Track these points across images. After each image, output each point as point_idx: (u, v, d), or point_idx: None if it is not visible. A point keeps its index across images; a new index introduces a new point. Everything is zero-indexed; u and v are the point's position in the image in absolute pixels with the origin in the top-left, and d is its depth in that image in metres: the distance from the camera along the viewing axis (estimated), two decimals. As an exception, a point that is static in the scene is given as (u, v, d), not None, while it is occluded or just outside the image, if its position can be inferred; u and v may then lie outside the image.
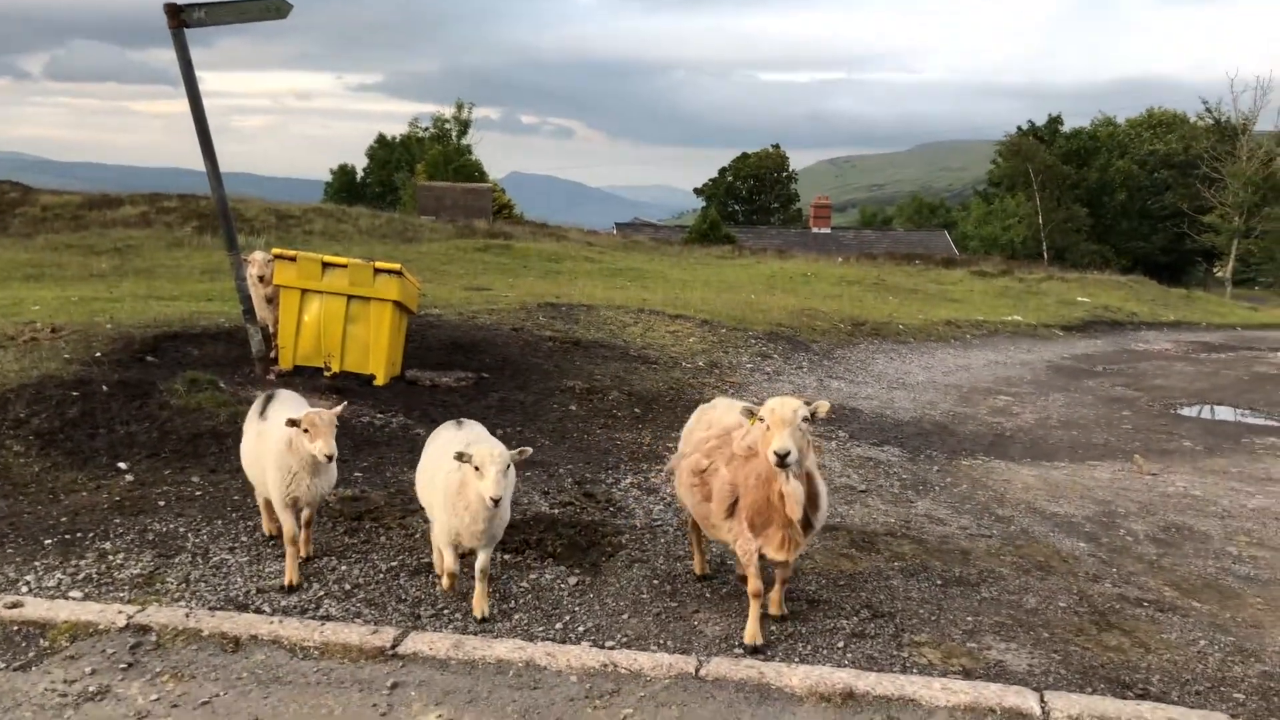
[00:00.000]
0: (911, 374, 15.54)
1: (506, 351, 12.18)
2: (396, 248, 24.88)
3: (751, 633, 5.49)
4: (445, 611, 5.78)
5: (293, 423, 5.80)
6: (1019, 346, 20.02)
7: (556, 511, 7.49)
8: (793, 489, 5.15)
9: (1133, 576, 7.04)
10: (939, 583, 6.62)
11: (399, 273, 10.27)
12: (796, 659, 5.41)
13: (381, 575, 6.24)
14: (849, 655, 5.48)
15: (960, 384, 15.07)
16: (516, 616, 5.76)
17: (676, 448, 9.41)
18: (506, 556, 6.60)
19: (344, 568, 6.32)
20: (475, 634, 5.50)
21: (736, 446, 5.56)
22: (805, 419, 5.04)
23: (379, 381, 10.25)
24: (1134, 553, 7.61)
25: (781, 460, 4.93)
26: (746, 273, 27.21)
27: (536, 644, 5.39)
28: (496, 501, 5.21)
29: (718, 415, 6.06)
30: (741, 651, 5.43)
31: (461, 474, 5.41)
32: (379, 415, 9.39)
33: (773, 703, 4.92)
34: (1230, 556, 7.65)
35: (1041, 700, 4.98)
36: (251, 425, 6.46)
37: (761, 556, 5.51)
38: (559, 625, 5.69)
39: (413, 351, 11.22)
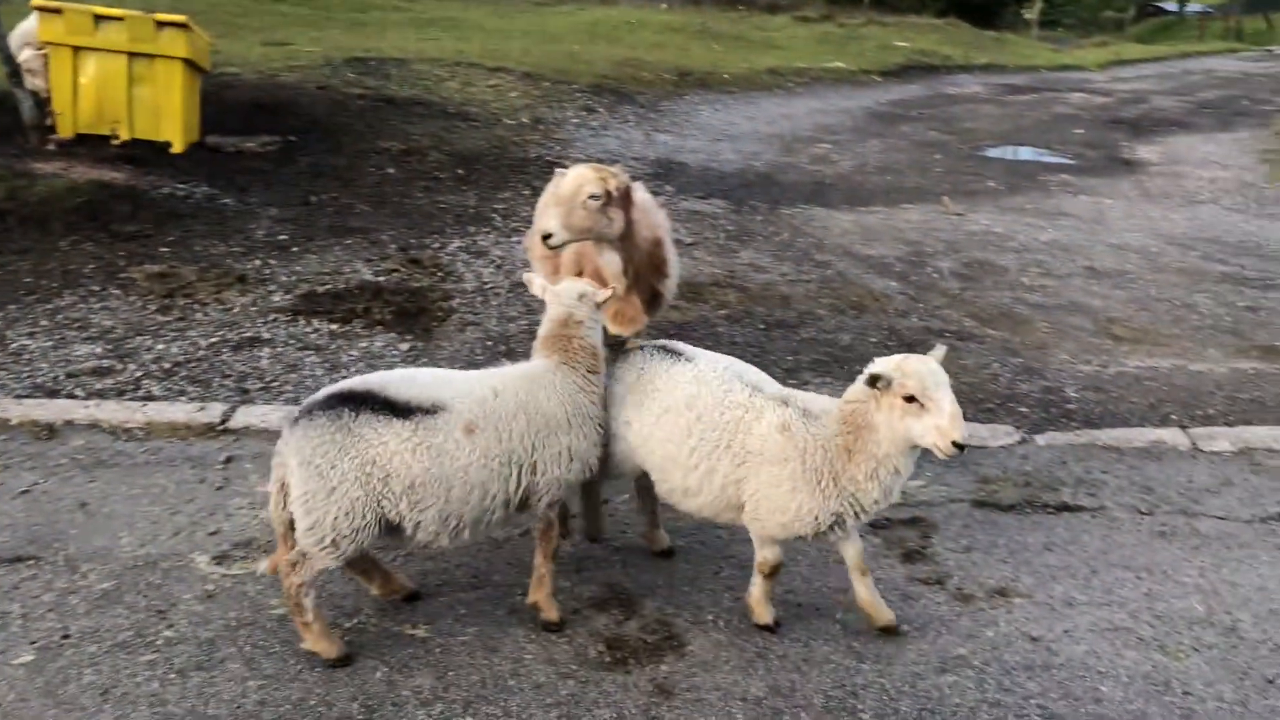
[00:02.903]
0: (736, 125, 15.56)
1: (314, 111, 11.42)
2: (180, -2, 22.43)
3: None
4: (274, 385, 5.67)
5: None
6: (840, 94, 20.23)
7: (382, 279, 7.33)
8: (605, 261, 4.80)
9: (938, 310, 7.56)
10: (762, 326, 6.93)
11: (185, 26, 9.30)
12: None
13: (203, 352, 6.03)
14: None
15: (783, 133, 15.22)
16: (350, 384, 5.72)
17: (504, 210, 9.28)
18: (333, 327, 6.46)
19: (161, 346, 6.05)
20: (308, 404, 5.44)
21: None
22: (594, 196, 4.39)
23: (176, 149, 9.48)
24: (939, 288, 8.14)
25: (545, 241, 4.50)
26: (568, 20, 26.04)
27: (372, 409, 5.39)
28: (962, 449, 3.20)
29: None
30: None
31: (857, 414, 3.41)
32: (180, 185, 8.75)
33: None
34: (1023, 287, 8.30)
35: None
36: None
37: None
38: (394, 390, 5.68)
39: (210, 115, 10.35)
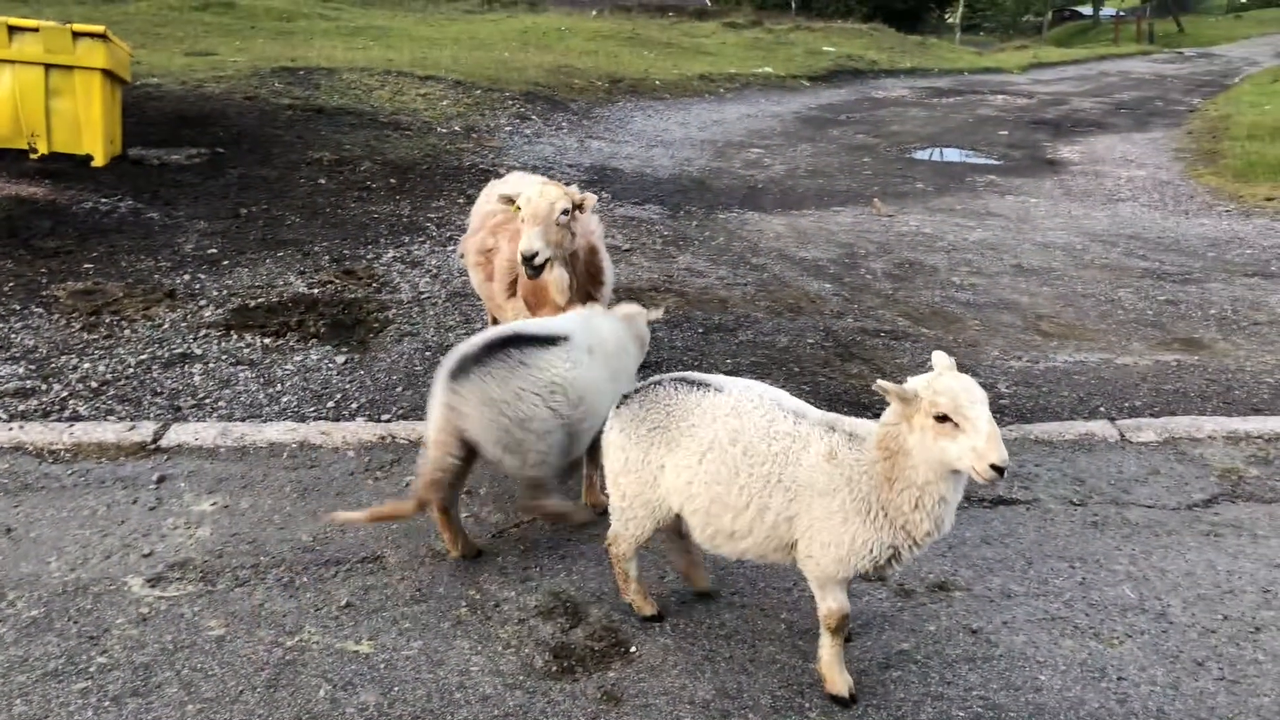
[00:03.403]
0: (669, 131, 15.65)
1: (242, 123, 11.23)
2: (96, 8, 21.87)
3: None
4: (208, 401, 5.55)
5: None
6: (770, 99, 20.46)
7: (316, 291, 7.22)
8: (555, 277, 4.86)
9: (872, 310, 7.68)
10: (701, 330, 6.97)
11: (104, 36, 9.09)
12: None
13: (131, 370, 5.88)
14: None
15: (715, 139, 15.34)
16: (285, 399, 5.63)
17: (438, 219, 9.21)
18: (266, 341, 6.35)
19: (87, 365, 5.89)
20: (243, 420, 5.34)
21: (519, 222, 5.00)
22: (565, 211, 4.62)
23: (98, 162, 9.25)
24: (873, 289, 8.26)
25: (528, 261, 4.55)
26: (498, 28, 25.95)
27: (309, 424, 5.31)
28: (1002, 472, 2.91)
29: (507, 190, 5.41)
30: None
31: (890, 437, 3.15)
32: (104, 200, 8.54)
33: (550, 456, 5.14)
34: (954, 285, 8.46)
35: (793, 428, 5.45)
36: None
37: None
38: (330, 404, 5.61)
39: (133, 127, 10.13)
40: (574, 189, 5.20)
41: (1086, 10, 69.65)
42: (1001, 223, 10.86)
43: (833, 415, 3.43)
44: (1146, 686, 3.61)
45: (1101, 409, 6.02)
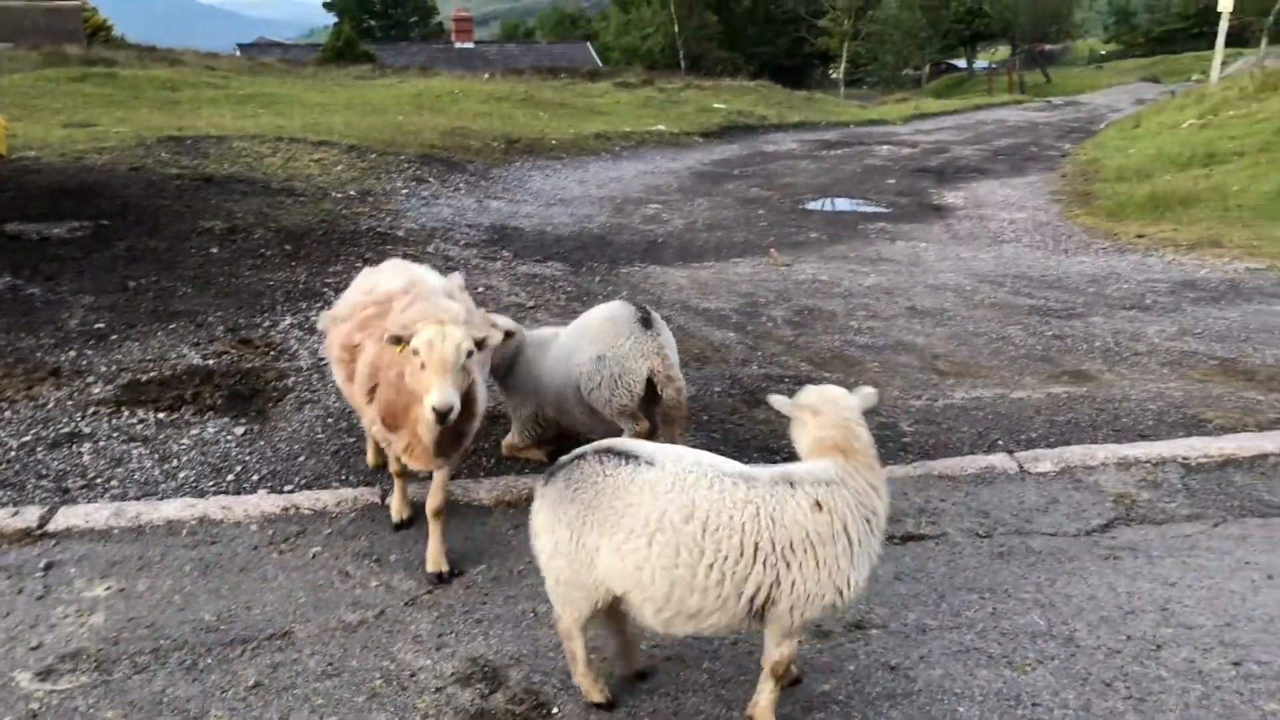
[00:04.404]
0: (568, 189, 15.78)
1: (127, 194, 10.91)
2: (-31, 81, 21.14)
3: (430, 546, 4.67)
4: (99, 481, 5.31)
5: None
6: (665, 155, 20.83)
7: (211, 363, 7.01)
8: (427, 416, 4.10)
9: (775, 357, 7.81)
10: (608, 384, 6.97)
11: (-23, 109, 8.78)
12: (482, 473, 5.57)
13: (13, 453, 5.59)
14: (529, 465, 5.71)
15: (614, 195, 15.52)
16: (182, 475, 5.42)
17: (336, 284, 9.06)
18: (160, 416, 6.13)
19: (-36, 451, 5.58)
20: (138, 498, 5.13)
21: (390, 322, 4.39)
22: (470, 353, 4.06)
23: (-27, 239, 8.88)
24: (775, 336, 8.41)
25: (443, 418, 3.94)
26: (391, 93, 25.90)
27: (208, 499, 5.13)
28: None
29: (381, 279, 4.93)
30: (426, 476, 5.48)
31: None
32: (-21, 277, 8.18)
33: (463, 516, 5.06)
34: (852, 330, 8.67)
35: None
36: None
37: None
38: (230, 477, 5.43)
39: (10, 201, 9.77)
40: (473, 311, 4.71)
41: (961, 63, 73.15)
42: (894, 267, 11.21)
43: (778, 468, 3.37)
44: (1060, 710, 3.69)
45: (1000, 442, 6.21)
